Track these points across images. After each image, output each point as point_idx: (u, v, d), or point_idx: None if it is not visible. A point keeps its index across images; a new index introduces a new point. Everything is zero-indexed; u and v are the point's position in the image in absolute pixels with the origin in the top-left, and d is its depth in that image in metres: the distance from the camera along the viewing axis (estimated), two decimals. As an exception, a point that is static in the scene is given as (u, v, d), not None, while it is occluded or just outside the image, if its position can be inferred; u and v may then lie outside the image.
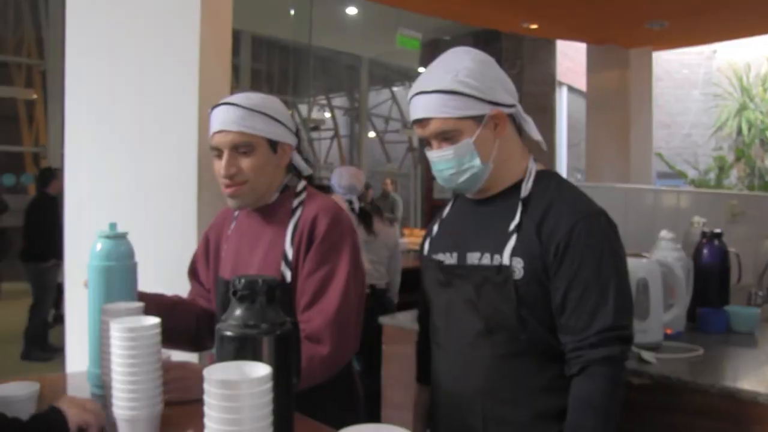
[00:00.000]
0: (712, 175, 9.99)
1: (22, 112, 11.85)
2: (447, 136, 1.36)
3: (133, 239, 2.28)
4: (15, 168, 11.86)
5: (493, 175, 1.41)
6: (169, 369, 1.46)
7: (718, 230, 2.24)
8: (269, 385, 0.90)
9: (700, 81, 11.33)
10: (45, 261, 5.87)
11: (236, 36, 12.44)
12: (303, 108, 13.63)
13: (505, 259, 1.34)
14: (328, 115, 15.25)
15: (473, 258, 1.40)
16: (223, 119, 1.57)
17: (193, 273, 1.86)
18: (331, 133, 15.36)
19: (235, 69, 12.73)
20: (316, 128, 12.78)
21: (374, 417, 2.43)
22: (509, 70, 6.42)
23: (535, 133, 1.47)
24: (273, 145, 1.61)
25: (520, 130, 1.46)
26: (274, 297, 1.08)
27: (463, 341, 1.41)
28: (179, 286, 1.88)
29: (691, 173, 10.07)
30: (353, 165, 14.61)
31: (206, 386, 0.86)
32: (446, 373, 1.46)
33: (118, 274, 1.49)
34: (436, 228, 1.57)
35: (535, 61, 6.60)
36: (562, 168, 10.33)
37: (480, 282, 1.38)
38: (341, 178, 3.64)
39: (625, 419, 1.32)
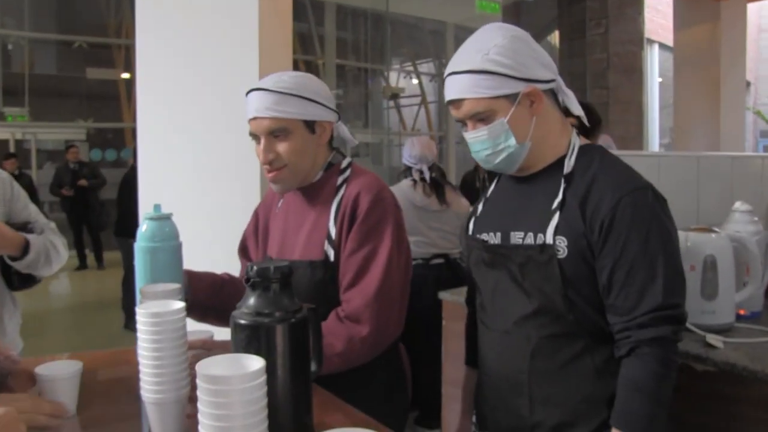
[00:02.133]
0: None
1: (122, 90, 12.46)
2: (481, 117, 1.33)
3: (196, 218, 2.33)
4: (117, 144, 12.56)
5: (534, 153, 1.36)
6: (210, 348, 1.47)
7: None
8: (262, 379, 0.85)
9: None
10: (132, 236, 6.15)
11: (321, 5, 12.50)
12: (392, 76, 13.59)
13: (548, 237, 1.30)
14: (415, 81, 15.11)
15: (516, 237, 1.36)
16: (256, 106, 1.55)
17: (243, 251, 1.86)
18: (418, 100, 15.22)
19: (321, 38, 12.82)
20: (396, 96, 12.69)
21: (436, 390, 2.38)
22: (594, 30, 6.08)
23: (576, 108, 1.39)
24: (310, 125, 1.58)
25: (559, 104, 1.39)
26: (288, 284, 1.04)
27: (509, 321, 1.38)
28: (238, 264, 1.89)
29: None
30: (440, 132, 14.48)
31: (198, 380, 0.83)
32: (493, 353, 1.43)
33: (163, 254, 1.50)
34: (480, 207, 1.53)
35: (621, 19, 6.19)
36: (654, 131, 9.78)
37: (524, 261, 1.34)
38: (413, 148, 3.57)
39: (685, 407, 1.22)
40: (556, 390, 1.33)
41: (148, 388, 1.16)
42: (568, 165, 1.35)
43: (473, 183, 6.76)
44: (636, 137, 6.78)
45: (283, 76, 1.57)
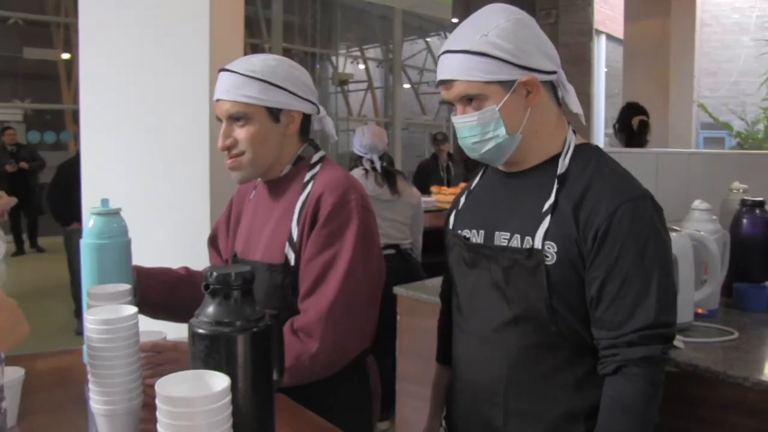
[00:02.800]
0: (761, 127, 9.47)
1: (62, 70, 11.98)
2: (471, 100, 1.24)
3: (144, 208, 2.23)
4: (56, 126, 12.07)
5: (525, 147, 1.27)
6: (162, 350, 1.40)
7: (759, 198, 2.05)
8: (227, 399, 0.81)
9: (752, 25, 10.73)
10: (72, 222, 5.92)
11: (268, -12, 12.25)
12: (339, 61, 13.46)
13: (537, 242, 1.21)
14: (362, 66, 15.02)
15: (502, 238, 1.28)
16: (220, 87, 1.48)
17: (212, 240, 1.77)
18: (365, 85, 15.14)
19: (267, 21, 12.58)
20: (344, 83, 12.59)
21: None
22: (544, 20, 6.14)
23: (575, 105, 1.31)
24: (274, 113, 1.48)
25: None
26: (250, 291, 0.99)
27: (487, 328, 1.29)
28: (194, 257, 1.83)
29: (738, 124, 9.57)
30: (387, 117, 14.45)
31: (158, 401, 0.78)
32: (468, 358, 1.35)
33: (111, 252, 1.42)
34: (463, 200, 1.44)
35: (571, 10, 6.26)
36: (599, 120, 9.99)
37: (508, 265, 1.25)
38: (363, 137, 3.54)
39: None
40: (533, 403, 1.25)
41: (97, 399, 1.10)
42: (563, 165, 1.26)
43: (434, 172, 6.75)
44: (584, 127, 6.89)
45: (253, 58, 1.49)
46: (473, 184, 1.44)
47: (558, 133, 1.30)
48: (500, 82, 1.21)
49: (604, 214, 1.17)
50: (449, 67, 1.25)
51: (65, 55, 11.80)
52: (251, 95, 1.45)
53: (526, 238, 1.23)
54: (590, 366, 1.23)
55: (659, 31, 6.54)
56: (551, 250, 1.20)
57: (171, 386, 0.80)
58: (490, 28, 1.21)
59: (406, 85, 15.45)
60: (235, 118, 1.47)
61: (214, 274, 0.97)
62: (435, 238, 4.12)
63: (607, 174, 1.24)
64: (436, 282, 2.36)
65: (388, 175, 3.52)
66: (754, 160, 2.95)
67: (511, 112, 1.23)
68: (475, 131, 1.25)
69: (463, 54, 1.22)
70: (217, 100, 1.48)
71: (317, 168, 1.54)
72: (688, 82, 6.85)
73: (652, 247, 1.17)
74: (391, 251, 3.54)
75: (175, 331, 1.63)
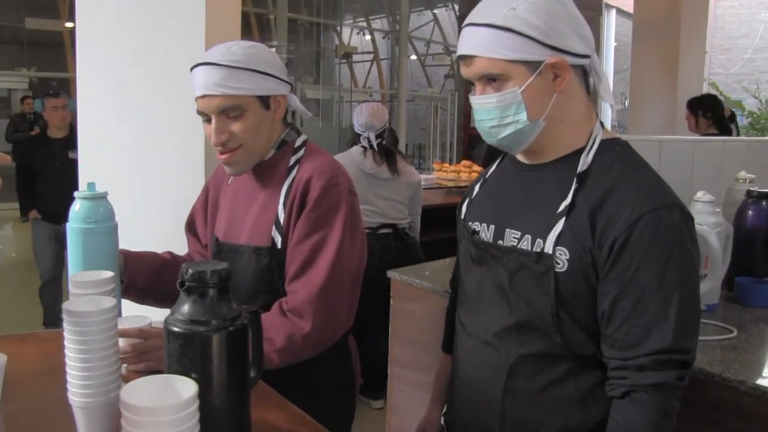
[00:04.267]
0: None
1: (66, 39, 11.87)
2: (492, 79, 1.13)
3: (138, 190, 2.19)
4: (62, 94, 11.99)
5: (546, 137, 1.16)
6: (147, 337, 1.38)
7: (766, 190, 1.99)
8: (194, 407, 0.78)
9: (769, 0, 10.52)
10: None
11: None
12: (345, 32, 13.29)
13: (548, 246, 1.11)
14: (367, 38, 14.85)
15: (512, 236, 1.18)
16: (205, 82, 1.41)
17: (190, 226, 1.76)
18: (370, 57, 14.98)
19: (273, -8, 12.40)
20: (348, 56, 12.43)
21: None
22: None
23: (607, 94, 1.19)
24: (264, 100, 1.45)
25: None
26: (226, 288, 0.96)
27: (488, 331, 1.22)
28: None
29: (750, 103, 9.41)
30: (393, 89, 14.31)
31: (122, 409, 0.74)
32: (468, 359, 1.29)
33: (97, 236, 1.40)
34: (477, 189, 1.35)
35: (581, -16, 6.17)
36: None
37: (515, 268, 1.16)
38: (360, 115, 3.48)
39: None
40: (532, 413, 1.18)
41: (74, 391, 1.07)
42: (584, 162, 1.14)
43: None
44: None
45: (233, 47, 1.43)
46: (489, 173, 1.37)
47: (585, 124, 1.18)
48: (525, 62, 1.10)
49: (624, 222, 1.06)
50: (471, 42, 1.13)
51: (69, 24, 11.69)
52: (242, 86, 1.41)
53: (537, 240, 1.14)
54: (596, 380, 1.15)
55: (670, 5, 6.39)
56: (563, 256, 1.10)
57: (136, 392, 0.76)
58: (519, 1, 1.09)
59: (412, 57, 15.28)
60: (227, 112, 1.42)
61: (190, 271, 0.94)
62: (435, 216, 4.13)
63: (633, 177, 1.12)
64: (431, 266, 2.34)
65: (388, 154, 3.47)
66: (764, 147, 2.86)
67: (535, 97, 1.12)
68: (493, 114, 1.15)
69: (486, 28, 1.10)
70: (204, 96, 1.42)
71: (301, 152, 1.52)
72: (699, 58, 6.71)
73: (675, 264, 1.06)
74: (388, 230, 3.51)
75: (160, 317, 1.61)
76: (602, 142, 1.17)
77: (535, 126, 1.14)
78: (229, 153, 1.45)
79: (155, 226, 2.27)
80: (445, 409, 1.46)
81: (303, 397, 1.31)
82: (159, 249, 1.71)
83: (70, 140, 4.33)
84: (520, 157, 1.26)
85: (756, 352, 1.53)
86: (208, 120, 1.44)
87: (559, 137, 1.17)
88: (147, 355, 1.35)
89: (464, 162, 5.87)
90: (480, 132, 1.20)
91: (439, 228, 4.11)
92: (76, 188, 3.90)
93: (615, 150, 1.17)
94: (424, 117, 14.54)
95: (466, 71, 1.17)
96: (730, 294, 1.93)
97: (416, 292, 2.11)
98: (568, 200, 1.12)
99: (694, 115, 4.57)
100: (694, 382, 1.40)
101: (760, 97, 9.49)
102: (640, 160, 1.18)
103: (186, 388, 0.79)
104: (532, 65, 1.10)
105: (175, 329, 0.93)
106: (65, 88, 12.00)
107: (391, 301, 2.23)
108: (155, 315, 1.53)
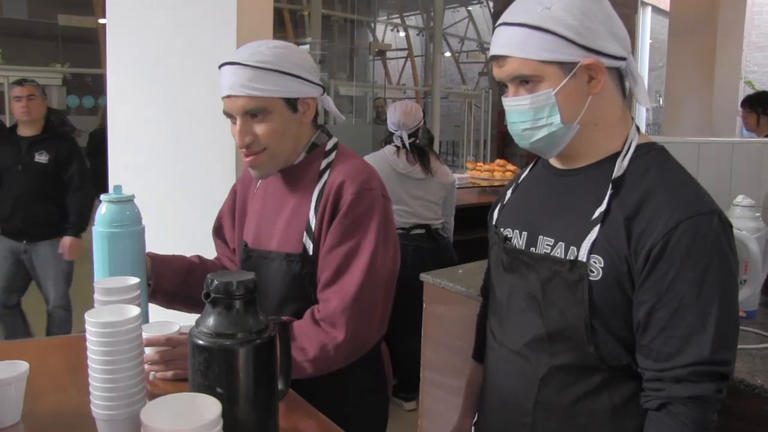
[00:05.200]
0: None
1: (100, 34, 12.04)
2: (525, 81, 1.10)
3: (166, 192, 2.17)
4: (96, 90, 12.18)
5: (580, 141, 1.13)
6: (175, 345, 1.36)
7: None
8: (217, 428, 0.75)
9: (810, -5, 10.20)
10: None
11: (308, -48, 12.06)
12: (379, 28, 13.25)
13: (582, 254, 1.08)
14: (402, 34, 14.79)
15: (545, 244, 1.15)
16: (231, 82, 1.37)
17: (217, 230, 1.73)
18: (404, 53, 14.91)
19: (308, -11, 12.41)
20: (382, 53, 12.37)
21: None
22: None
23: (643, 98, 1.15)
24: (291, 103, 1.41)
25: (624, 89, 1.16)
26: (253, 300, 0.93)
27: (519, 341, 1.19)
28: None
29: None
30: (427, 86, 14.23)
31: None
32: (498, 370, 1.26)
33: (124, 240, 1.38)
34: (509, 194, 1.33)
35: (617, -19, 6.05)
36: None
37: (548, 277, 1.13)
38: (393, 114, 3.44)
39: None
40: (564, 428, 1.15)
41: (98, 403, 1.06)
42: (620, 167, 1.11)
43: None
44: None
45: (261, 47, 1.40)
46: (521, 178, 1.33)
47: (620, 129, 1.15)
48: (559, 63, 1.07)
49: (661, 230, 1.03)
50: (503, 41, 1.11)
51: (102, 20, 11.86)
52: (269, 88, 1.37)
53: (571, 247, 1.11)
54: (630, 392, 1.11)
55: (708, 2, 6.23)
56: (597, 264, 1.07)
57: (157, 412, 0.74)
58: (554, 0, 1.07)
59: (447, 54, 15.16)
60: (252, 114, 1.39)
61: (215, 282, 0.91)
62: (468, 216, 4.08)
63: (671, 183, 1.08)
64: (465, 269, 2.29)
65: (421, 153, 3.42)
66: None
67: (569, 99, 1.09)
68: (525, 116, 1.12)
69: (520, 27, 1.08)
70: (229, 96, 1.39)
71: (332, 155, 1.48)
72: (736, 57, 6.52)
73: (714, 273, 1.02)
74: (421, 231, 3.47)
75: (189, 321, 1.59)
76: (638, 146, 1.13)
77: (568, 129, 1.11)
78: (254, 156, 1.42)
79: (183, 229, 2.26)
80: (476, 418, 1.42)
81: (334, 405, 1.28)
82: (187, 253, 1.69)
83: (41, 140, 3.67)
84: (553, 162, 1.22)
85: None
86: (234, 120, 1.41)
87: (593, 141, 1.14)
88: (175, 363, 1.34)
89: (498, 161, 5.79)
90: (512, 135, 1.17)
91: (473, 228, 4.06)
92: (46, 198, 3.67)
93: (651, 155, 1.13)
94: (458, 114, 14.43)
95: (498, 72, 1.14)
96: (769, 300, 1.87)
97: (449, 296, 2.07)
98: (603, 207, 1.09)
99: (755, 112, 4.36)
100: (732, 393, 1.34)
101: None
102: (678, 166, 1.14)
103: (209, 407, 0.76)
104: (566, 66, 1.08)
105: (200, 342, 0.91)
106: (98, 84, 12.20)
107: (424, 305, 2.19)
108: (183, 320, 1.52)
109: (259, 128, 1.39)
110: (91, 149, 6.14)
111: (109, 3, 2.63)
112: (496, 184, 5.28)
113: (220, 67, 1.42)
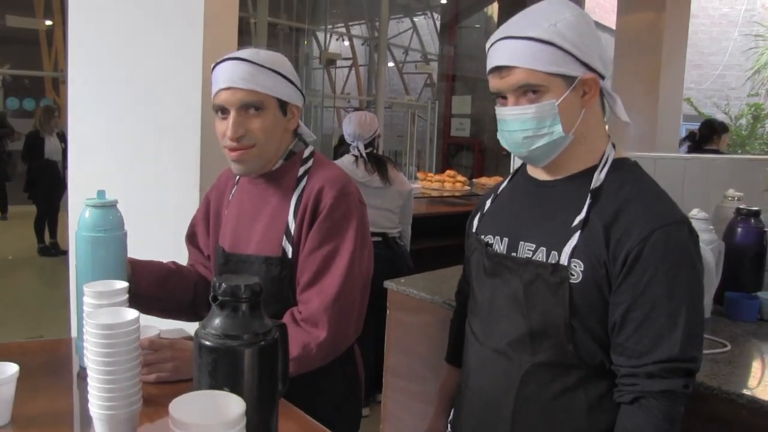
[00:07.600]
0: (743, 122, 9.57)
1: (42, 37, 11.69)
2: (530, 91, 1.17)
3: (131, 194, 2.17)
4: (35, 92, 11.80)
5: (569, 152, 1.22)
6: (158, 348, 1.39)
7: (755, 208, 2.06)
8: (241, 425, 0.79)
9: (740, 19, 10.80)
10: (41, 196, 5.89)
11: (254, -40, 12.00)
12: (324, 37, 13.27)
13: (564, 258, 1.17)
14: (346, 44, 14.86)
15: (526, 249, 1.24)
16: (231, 76, 1.43)
17: (191, 238, 1.76)
18: (349, 63, 14.98)
19: (253, -1, 12.35)
20: (331, 62, 12.42)
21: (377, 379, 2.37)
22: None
23: (622, 113, 1.26)
24: (283, 105, 1.48)
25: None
26: (258, 303, 0.97)
27: (501, 341, 1.27)
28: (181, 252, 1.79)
29: (720, 118, 9.67)
30: (370, 95, 14.33)
31: (171, 425, 0.76)
32: (480, 369, 1.33)
33: (107, 245, 1.39)
34: (488, 203, 1.40)
35: (561, -1, 6.24)
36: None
37: (530, 280, 1.21)
38: (348, 125, 3.53)
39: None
40: (542, 423, 1.23)
41: (97, 403, 1.08)
42: (597, 179, 1.20)
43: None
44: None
45: (260, 51, 1.47)
46: (500, 188, 1.42)
47: (600, 143, 1.25)
48: (563, 76, 1.16)
49: (637, 237, 1.12)
50: (509, 54, 1.17)
51: (48, 22, 11.53)
52: (267, 84, 1.44)
53: (552, 252, 1.19)
54: (604, 389, 1.20)
55: (652, 23, 6.51)
56: (577, 268, 1.16)
57: (185, 408, 0.77)
58: (558, 18, 1.16)
59: (390, 64, 15.30)
60: (247, 108, 1.44)
61: (223, 285, 0.95)
62: (421, 225, 4.15)
63: (645, 195, 1.18)
64: (428, 277, 2.36)
65: (379, 163, 3.50)
66: (747, 165, 2.94)
67: (568, 110, 1.18)
68: (528, 125, 1.19)
69: (528, 41, 1.15)
70: (228, 89, 1.43)
71: (310, 162, 1.55)
72: (679, 75, 6.84)
73: (684, 278, 1.13)
74: (378, 239, 3.53)
75: (166, 325, 1.61)
76: (614, 161, 1.23)
77: (566, 139, 1.20)
78: (243, 150, 1.45)
79: (153, 235, 2.26)
80: (451, 416, 1.49)
81: (310, 405, 1.33)
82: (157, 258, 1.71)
83: None
84: (533, 173, 1.31)
85: (751, 366, 1.58)
86: (224, 116, 1.45)
87: (578, 153, 1.23)
88: (157, 366, 1.36)
89: (449, 172, 5.92)
90: (507, 143, 1.24)
91: (427, 236, 4.15)
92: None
93: (626, 169, 1.23)
94: (401, 124, 14.58)
95: (500, 83, 1.20)
96: (720, 308, 1.99)
97: (413, 303, 2.13)
98: (583, 215, 1.17)
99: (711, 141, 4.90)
100: (693, 395, 1.45)
101: (730, 113, 9.74)
102: (650, 179, 1.25)
103: (233, 404, 0.80)
104: (568, 80, 1.17)
105: (207, 343, 0.94)
106: (39, 87, 11.82)
107: (388, 312, 2.25)
108: (161, 325, 1.55)
109: (253, 123, 1.44)
110: (26, 152, 6.00)
111: (71, 5, 2.60)
112: (446, 194, 5.39)
113: (215, 65, 1.47)
